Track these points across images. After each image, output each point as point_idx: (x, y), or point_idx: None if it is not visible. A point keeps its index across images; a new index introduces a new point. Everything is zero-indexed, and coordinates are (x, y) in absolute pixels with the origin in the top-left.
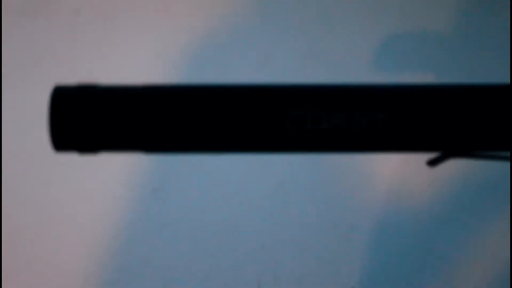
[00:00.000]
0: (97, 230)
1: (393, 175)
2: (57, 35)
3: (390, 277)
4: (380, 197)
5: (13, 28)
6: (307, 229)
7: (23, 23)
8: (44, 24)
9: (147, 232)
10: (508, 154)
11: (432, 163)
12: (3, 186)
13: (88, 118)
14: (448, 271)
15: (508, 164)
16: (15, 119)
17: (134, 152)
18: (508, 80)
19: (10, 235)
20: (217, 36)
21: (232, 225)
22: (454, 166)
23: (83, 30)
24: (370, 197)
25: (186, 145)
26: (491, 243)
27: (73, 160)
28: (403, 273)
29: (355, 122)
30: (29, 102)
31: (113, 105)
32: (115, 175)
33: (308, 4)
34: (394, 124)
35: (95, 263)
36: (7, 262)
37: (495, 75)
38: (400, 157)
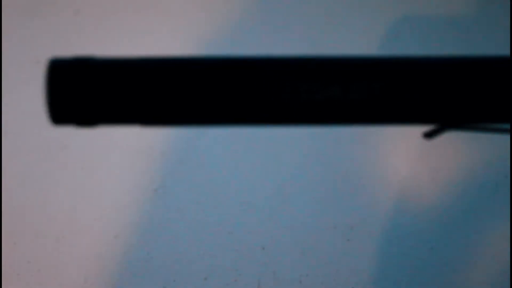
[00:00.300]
0: (98, 230)
1: (394, 176)
2: (56, 34)
3: (389, 278)
4: (379, 198)
5: (13, 28)
6: (308, 230)
7: (23, 23)
8: (43, 24)
9: (148, 232)
10: (506, 126)
11: (429, 135)
12: (3, 186)
13: (85, 90)
14: (449, 271)
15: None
16: (15, 119)
17: (132, 125)
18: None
19: (10, 235)
20: (216, 35)
21: (233, 226)
22: (456, 167)
23: (83, 30)
24: (370, 198)
25: (183, 118)
26: (492, 243)
27: (72, 160)
28: (403, 273)
29: (352, 92)
30: (29, 102)
31: (110, 77)
32: (115, 175)
33: (308, 2)
34: (391, 94)
35: (95, 263)
36: (7, 262)
37: None
38: (401, 159)
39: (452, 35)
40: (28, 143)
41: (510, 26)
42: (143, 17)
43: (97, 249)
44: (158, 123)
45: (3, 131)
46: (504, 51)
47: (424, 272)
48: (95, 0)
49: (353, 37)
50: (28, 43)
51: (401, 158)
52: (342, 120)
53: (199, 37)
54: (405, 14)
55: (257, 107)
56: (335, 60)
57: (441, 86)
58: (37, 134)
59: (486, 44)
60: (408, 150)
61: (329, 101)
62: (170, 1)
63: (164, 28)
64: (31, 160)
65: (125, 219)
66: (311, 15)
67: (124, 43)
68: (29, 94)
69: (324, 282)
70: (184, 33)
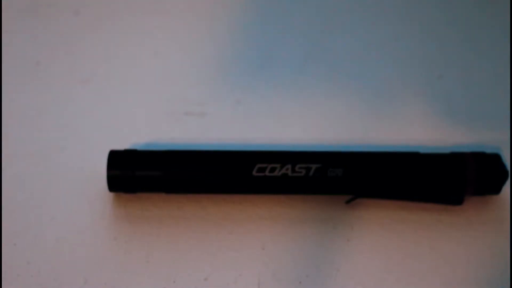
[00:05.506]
0: (98, 231)
1: None
2: (57, 35)
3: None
4: None
5: (13, 29)
6: (308, 228)
7: (23, 23)
8: (43, 25)
9: (146, 234)
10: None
11: (347, 202)
12: (3, 186)
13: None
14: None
15: None
16: (15, 119)
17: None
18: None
19: (10, 235)
20: (217, 35)
21: (233, 224)
22: None
23: (83, 30)
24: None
25: (193, 189)
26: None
27: (72, 161)
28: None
29: (297, 171)
30: (29, 102)
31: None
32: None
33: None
34: (323, 173)
35: (95, 264)
36: (6, 262)
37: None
38: None
39: (451, 34)
40: (28, 144)
41: (510, 26)
42: (143, 18)
43: (97, 250)
44: (174, 192)
45: (3, 131)
46: (504, 50)
47: None
48: (95, 1)
49: (352, 37)
50: (28, 44)
51: None
52: (292, 190)
53: (198, 38)
54: (404, 14)
55: (237, 181)
56: (289, 151)
57: (354, 168)
58: (37, 134)
59: (486, 44)
60: None
61: (283, 176)
62: (171, 2)
63: (164, 29)
64: (31, 161)
65: (124, 219)
66: (311, 15)
67: (124, 44)
68: (29, 94)
69: (324, 282)
70: (184, 33)
